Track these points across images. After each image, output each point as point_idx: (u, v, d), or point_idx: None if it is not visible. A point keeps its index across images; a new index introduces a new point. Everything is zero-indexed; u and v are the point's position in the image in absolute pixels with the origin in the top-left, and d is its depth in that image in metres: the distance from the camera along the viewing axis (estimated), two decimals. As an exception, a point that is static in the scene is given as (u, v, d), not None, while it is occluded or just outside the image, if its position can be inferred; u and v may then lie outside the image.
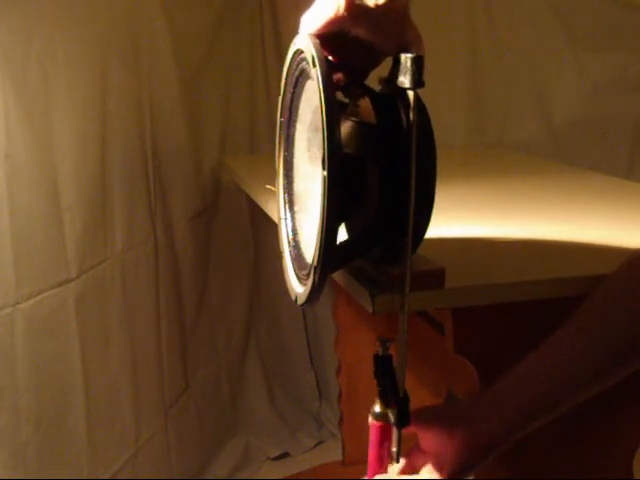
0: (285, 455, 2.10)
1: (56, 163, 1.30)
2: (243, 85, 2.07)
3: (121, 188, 1.53)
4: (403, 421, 0.77)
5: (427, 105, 0.78)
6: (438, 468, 0.80)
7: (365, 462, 0.88)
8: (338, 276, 0.89)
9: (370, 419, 0.85)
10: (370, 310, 0.80)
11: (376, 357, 0.81)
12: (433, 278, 0.81)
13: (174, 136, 1.79)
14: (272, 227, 1.30)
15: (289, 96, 0.84)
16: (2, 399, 1.20)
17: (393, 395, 0.77)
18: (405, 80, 0.72)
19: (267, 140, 2.12)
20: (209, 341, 2.05)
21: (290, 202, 0.87)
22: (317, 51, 0.72)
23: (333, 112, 0.69)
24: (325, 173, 0.68)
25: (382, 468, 0.84)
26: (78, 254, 1.36)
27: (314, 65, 0.71)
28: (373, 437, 0.84)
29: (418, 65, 0.71)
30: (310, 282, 0.74)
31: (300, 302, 0.79)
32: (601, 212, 1.22)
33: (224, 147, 2.04)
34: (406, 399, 0.77)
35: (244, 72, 2.07)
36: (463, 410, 0.82)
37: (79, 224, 1.37)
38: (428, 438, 0.81)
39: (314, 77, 0.71)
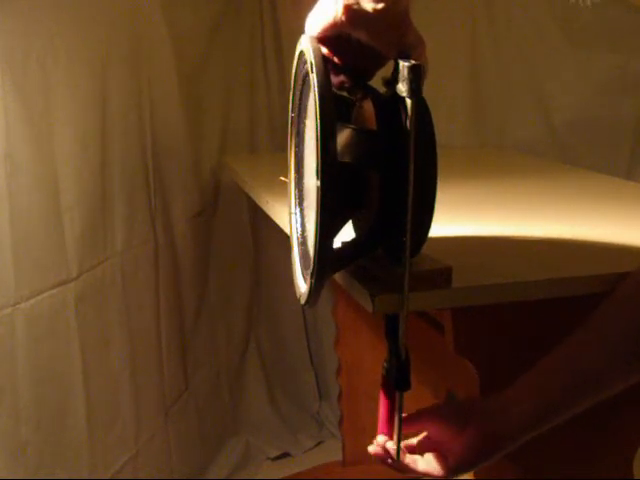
0: (285, 455, 2.10)
1: (56, 163, 1.30)
2: (243, 85, 2.07)
3: (121, 188, 1.53)
4: (403, 384, 0.78)
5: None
6: (442, 459, 0.81)
7: (364, 462, 0.88)
8: (338, 276, 0.89)
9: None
10: (370, 310, 0.80)
11: (387, 317, 0.81)
12: (440, 277, 0.81)
13: (174, 136, 1.79)
14: (272, 227, 1.31)
15: (298, 93, 0.85)
16: (2, 399, 1.20)
17: (395, 357, 0.78)
18: (403, 88, 0.72)
19: (267, 140, 2.12)
20: (209, 341, 2.05)
21: (300, 198, 0.88)
22: (315, 57, 0.72)
23: (328, 122, 0.68)
24: (318, 183, 0.68)
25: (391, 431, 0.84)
26: (78, 254, 1.36)
27: (312, 71, 0.71)
28: (381, 401, 0.85)
29: (415, 74, 0.71)
30: (308, 284, 0.74)
31: (302, 302, 0.79)
32: (601, 212, 1.22)
33: (224, 147, 2.04)
34: (407, 361, 0.77)
35: (244, 72, 2.07)
36: (478, 407, 0.83)
37: (79, 224, 1.37)
38: (439, 428, 0.82)
39: (312, 84, 0.71)
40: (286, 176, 0.91)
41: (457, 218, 1.14)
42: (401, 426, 0.81)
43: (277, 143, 2.10)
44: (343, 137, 0.76)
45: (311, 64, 0.71)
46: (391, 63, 0.78)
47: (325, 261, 0.71)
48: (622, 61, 2.09)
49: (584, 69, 2.10)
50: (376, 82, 0.84)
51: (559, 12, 2.08)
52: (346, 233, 0.84)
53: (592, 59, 2.09)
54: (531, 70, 2.13)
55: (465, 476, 0.93)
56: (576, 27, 2.08)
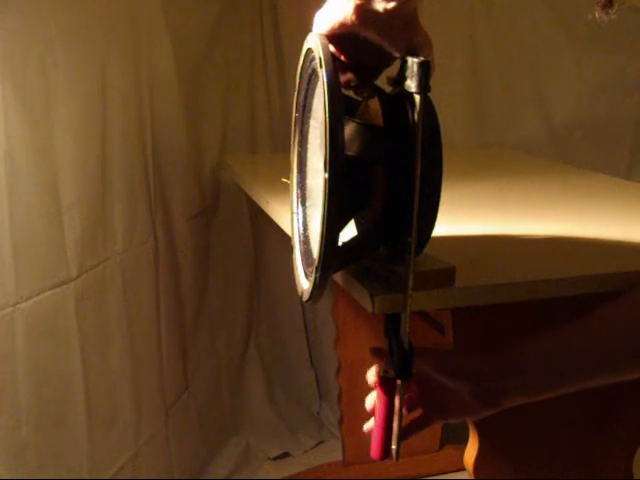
0: (285, 455, 2.10)
1: (56, 163, 1.30)
2: (243, 85, 2.07)
3: (121, 188, 1.53)
4: (406, 373, 0.78)
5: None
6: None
7: (365, 462, 0.88)
8: (338, 276, 0.89)
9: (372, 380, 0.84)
10: (370, 310, 0.80)
11: (387, 316, 0.81)
12: (444, 277, 0.81)
13: (174, 136, 1.79)
14: (272, 227, 1.31)
15: (303, 93, 0.85)
16: (2, 399, 1.20)
17: (398, 349, 0.78)
18: (412, 84, 0.72)
19: (267, 140, 2.12)
20: (209, 341, 2.05)
21: (302, 197, 0.88)
22: (325, 53, 0.72)
23: (337, 116, 0.69)
24: (326, 175, 0.68)
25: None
26: (78, 254, 1.36)
27: (321, 66, 0.71)
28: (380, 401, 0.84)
29: (425, 70, 0.71)
30: (312, 280, 0.74)
31: (304, 298, 0.79)
32: (601, 212, 1.22)
33: (224, 147, 2.04)
34: (410, 351, 0.77)
35: (244, 72, 2.07)
36: (478, 367, 0.82)
37: (79, 224, 1.37)
38: (435, 384, 0.82)
39: (320, 79, 0.71)
40: (287, 176, 0.91)
41: (457, 218, 1.14)
42: (402, 418, 0.81)
43: (277, 143, 2.10)
44: (350, 132, 0.76)
45: (320, 59, 0.72)
46: (395, 63, 0.78)
47: (331, 255, 0.71)
48: (622, 61, 2.09)
49: (584, 69, 2.10)
50: (379, 82, 0.84)
51: (559, 12, 2.08)
52: (346, 233, 0.84)
53: (592, 59, 2.09)
54: (531, 70, 2.13)
55: (465, 476, 0.94)
56: (576, 27, 2.08)
